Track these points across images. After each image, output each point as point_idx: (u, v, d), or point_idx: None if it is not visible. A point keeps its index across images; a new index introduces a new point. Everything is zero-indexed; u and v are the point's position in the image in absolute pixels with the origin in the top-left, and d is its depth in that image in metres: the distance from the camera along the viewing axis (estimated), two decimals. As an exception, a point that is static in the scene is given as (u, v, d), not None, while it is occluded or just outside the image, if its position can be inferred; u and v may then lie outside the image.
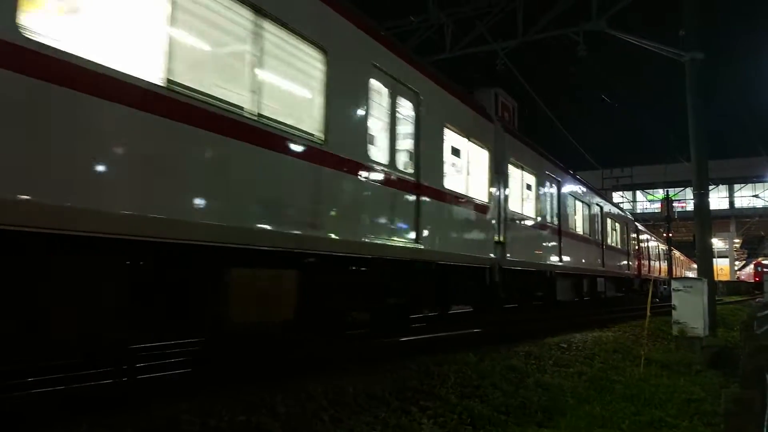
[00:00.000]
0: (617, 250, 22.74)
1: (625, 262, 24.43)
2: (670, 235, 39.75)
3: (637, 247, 28.14)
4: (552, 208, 14.62)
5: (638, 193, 60.35)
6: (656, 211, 50.08)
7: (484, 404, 5.84)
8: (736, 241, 69.01)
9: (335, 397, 5.21)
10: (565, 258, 15.10)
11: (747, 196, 57.55)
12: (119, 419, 4.09)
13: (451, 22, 17.05)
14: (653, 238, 37.01)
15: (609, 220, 21.53)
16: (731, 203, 59.38)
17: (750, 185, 55.70)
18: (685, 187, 39.99)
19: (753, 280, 57.19)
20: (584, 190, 18.20)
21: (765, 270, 49.65)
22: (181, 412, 4.30)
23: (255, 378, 5.63)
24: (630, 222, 27.05)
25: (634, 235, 27.86)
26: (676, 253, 46.74)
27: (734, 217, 59.30)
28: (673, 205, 41.22)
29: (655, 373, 8.91)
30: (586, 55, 16.26)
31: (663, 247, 40.60)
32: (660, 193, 50.29)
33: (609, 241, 21.19)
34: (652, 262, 34.07)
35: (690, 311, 11.53)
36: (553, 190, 14.86)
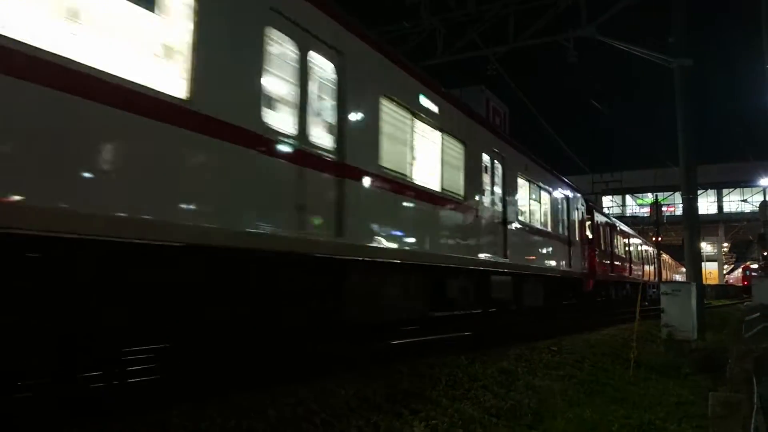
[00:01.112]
0: (547, 236, 15.04)
1: (565, 256, 16.55)
2: (660, 238, 39.93)
3: (591, 238, 21.01)
4: (326, 123, 6.83)
5: (628, 197, 60.77)
6: (646, 215, 50.43)
7: (475, 407, 5.86)
8: (725, 245, 69.63)
9: (326, 400, 5.22)
10: (378, 234, 7.62)
11: (735, 201, 58.04)
12: (109, 424, 4.08)
13: (443, 27, 17.14)
14: (628, 233, 31.21)
15: (524, 184, 13.48)
16: (720, 208, 59.87)
17: (738, 190, 56.17)
18: (674, 191, 40.29)
19: (741, 284, 57.67)
20: (458, 116, 10.36)
21: (753, 274, 50.08)
22: (172, 417, 4.29)
23: (245, 382, 5.62)
24: (577, 200, 18.93)
25: (588, 222, 21.00)
26: (665, 257, 46.96)
27: (723, 221, 59.82)
28: (662, 209, 41.50)
29: (645, 376, 8.98)
30: (577, 61, 16.41)
31: (644, 246, 37.05)
32: (649, 197, 50.75)
33: (526, 218, 13.63)
34: (620, 262, 27.49)
35: (679, 315, 11.62)
36: (366, 87, 7.55)
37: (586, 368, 8.95)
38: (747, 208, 53.58)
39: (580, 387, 7.61)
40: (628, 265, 29.60)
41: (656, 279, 38.13)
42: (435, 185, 9.27)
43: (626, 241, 30.05)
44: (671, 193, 44.12)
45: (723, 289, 56.12)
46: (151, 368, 6.54)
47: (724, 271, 71.87)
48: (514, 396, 6.51)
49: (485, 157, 11.36)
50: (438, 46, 17.39)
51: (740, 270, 67.57)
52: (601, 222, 23.62)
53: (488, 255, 11.09)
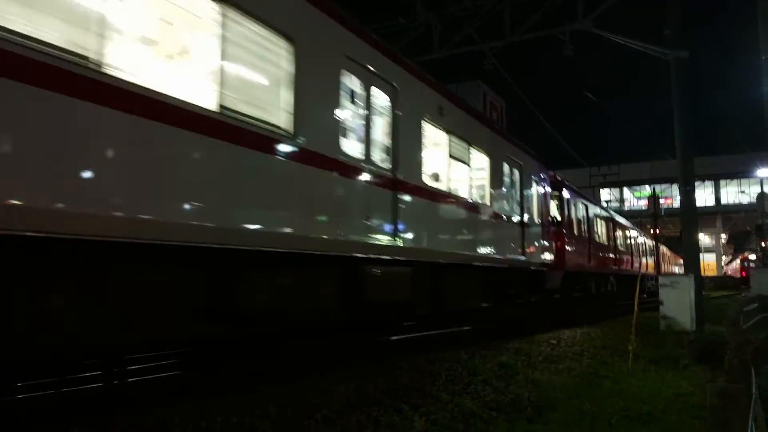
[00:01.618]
0: (482, 213, 11.09)
1: (515, 241, 12.83)
2: (658, 231, 40.02)
3: (560, 220, 17.38)
4: None
5: (625, 190, 60.88)
6: (643, 208, 50.52)
7: (474, 401, 5.88)
8: (723, 236, 69.82)
9: (327, 396, 5.24)
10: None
11: (733, 192, 58.18)
12: (111, 422, 4.10)
13: (439, 22, 17.14)
14: (615, 219, 27.10)
15: (438, 136, 9.64)
16: (717, 199, 60.02)
17: (736, 181, 56.31)
18: (672, 183, 40.38)
19: (739, 275, 57.87)
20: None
21: (751, 265, 50.24)
22: (173, 415, 4.31)
23: (246, 380, 5.64)
24: (536, 170, 14.96)
25: (556, 201, 17.32)
26: (663, 249, 47.05)
27: (720, 213, 60.02)
28: (660, 201, 41.55)
29: (643, 368, 9.00)
30: (573, 54, 16.41)
31: (638, 236, 33.85)
32: (647, 189, 50.84)
33: (443, 185, 9.64)
34: (604, 252, 23.56)
35: (677, 306, 11.65)
36: None
37: (585, 361, 8.98)
38: (745, 199, 53.72)
39: (579, 380, 7.64)
40: (614, 256, 25.58)
41: (654, 271, 38.04)
42: (203, 99, 5.12)
43: (613, 228, 25.93)
44: (669, 185, 44.21)
45: (721, 281, 56.30)
46: (152, 367, 6.57)
47: (723, 263, 72.09)
48: (513, 390, 6.53)
49: (351, 79, 7.32)
50: (434, 41, 17.38)
51: (738, 261, 67.76)
52: (574, 202, 19.05)
53: (356, 234, 7.17)
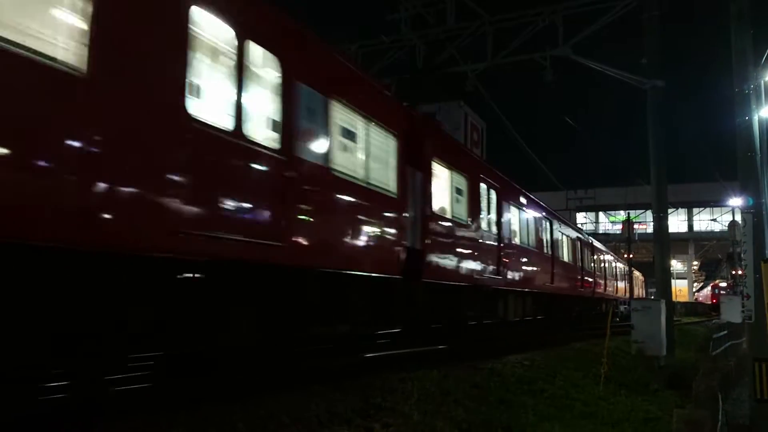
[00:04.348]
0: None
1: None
2: (631, 255, 40.59)
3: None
4: None
5: (601, 214, 61.68)
6: (618, 232, 51.25)
7: (446, 421, 5.86)
8: (695, 263, 71.00)
9: (298, 414, 5.17)
10: None
11: (705, 220, 59.27)
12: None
13: (423, 43, 17.33)
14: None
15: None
16: (690, 226, 61.07)
17: (708, 209, 57.38)
18: (646, 209, 41.08)
19: (710, 302, 58.76)
20: None
21: (722, 292, 51.07)
22: (138, 430, 4.22)
23: (215, 395, 5.55)
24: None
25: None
26: (636, 273, 47.69)
27: (693, 240, 61.05)
28: (634, 226, 42.19)
29: (614, 391, 9.08)
30: (553, 79, 16.70)
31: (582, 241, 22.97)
32: (622, 214, 51.61)
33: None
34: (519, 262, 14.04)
35: (648, 331, 11.81)
36: None
37: (557, 383, 9.02)
38: (717, 227, 54.77)
39: (551, 402, 7.67)
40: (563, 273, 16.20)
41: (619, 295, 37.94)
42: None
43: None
44: (643, 211, 44.94)
45: (692, 307, 57.16)
46: (114, 380, 6.42)
47: (694, 289, 73.22)
48: (486, 410, 6.53)
49: None
50: (418, 61, 17.56)
51: (709, 288, 68.86)
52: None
53: None
